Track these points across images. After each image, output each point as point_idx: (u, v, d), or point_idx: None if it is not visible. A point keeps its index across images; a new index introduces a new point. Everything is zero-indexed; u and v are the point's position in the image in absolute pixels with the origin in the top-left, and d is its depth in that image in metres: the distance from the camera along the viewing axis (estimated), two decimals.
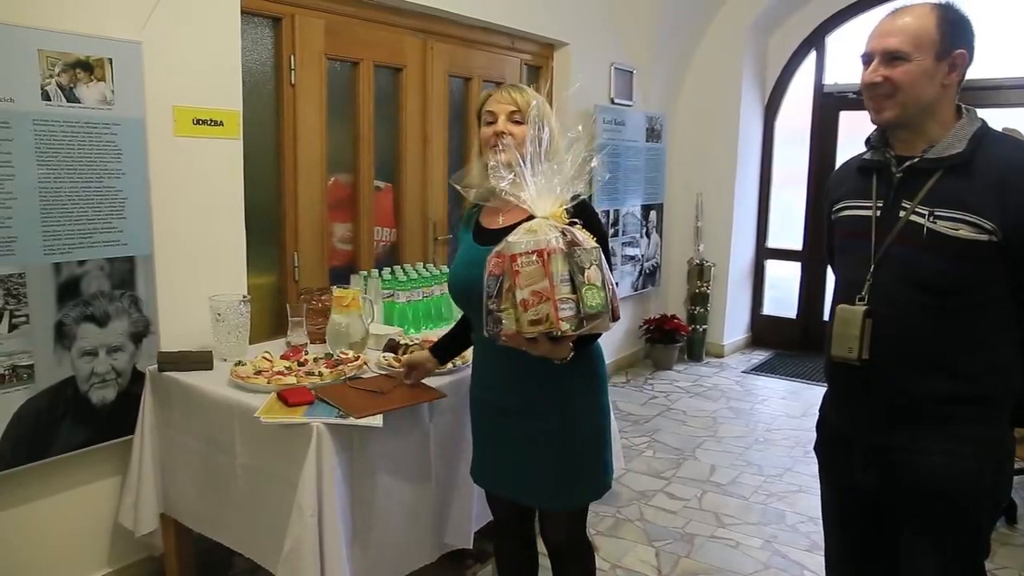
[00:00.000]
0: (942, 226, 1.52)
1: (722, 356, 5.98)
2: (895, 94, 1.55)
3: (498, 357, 1.89)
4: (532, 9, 4.33)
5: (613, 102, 5.06)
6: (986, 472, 1.57)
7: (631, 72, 5.22)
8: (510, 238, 1.60)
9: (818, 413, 1.86)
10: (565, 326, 1.54)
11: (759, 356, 6.07)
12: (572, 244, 1.57)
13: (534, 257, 1.54)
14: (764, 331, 6.32)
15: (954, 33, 1.54)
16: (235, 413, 2.16)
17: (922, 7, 1.56)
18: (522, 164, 1.67)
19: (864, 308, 1.59)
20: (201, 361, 2.43)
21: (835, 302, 1.68)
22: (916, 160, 1.58)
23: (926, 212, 1.54)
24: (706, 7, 5.64)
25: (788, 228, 6.20)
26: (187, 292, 2.68)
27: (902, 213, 1.58)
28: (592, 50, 4.85)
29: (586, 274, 1.56)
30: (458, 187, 1.90)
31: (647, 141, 5.44)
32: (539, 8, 4.38)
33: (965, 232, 1.50)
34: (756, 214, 6.25)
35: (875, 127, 1.66)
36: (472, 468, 2.10)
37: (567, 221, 1.65)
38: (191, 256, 2.73)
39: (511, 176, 1.69)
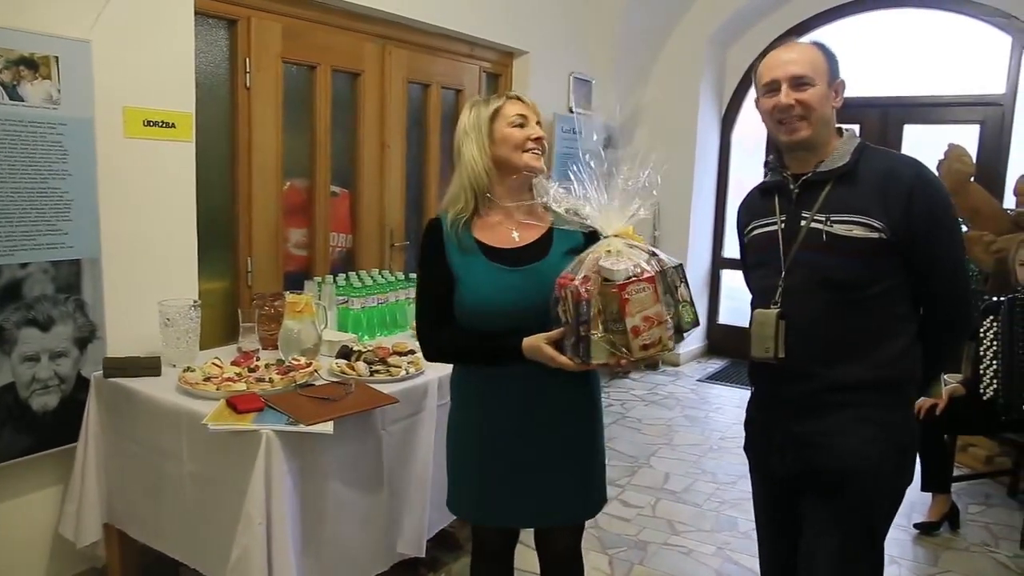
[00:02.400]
0: (839, 228, 1.69)
1: (678, 365, 6.03)
2: (808, 115, 1.71)
3: (519, 379, 1.80)
4: (492, 17, 4.36)
5: (571, 111, 5.10)
6: (888, 454, 1.72)
7: (590, 82, 5.27)
8: (604, 263, 1.60)
9: (745, 413, 1.98)
10: (671, 344, 1.64)
11: (715, 365, 6.13)
12: (661, 263, 1.65)
13: (645, 284, 1.60)
14: (720, 340, 6.39)
15: (835, 65, 1.76)
16: (183, 420, 2.13)
17: (806, 44, 1.78)
18: (579, 179, 1.71)
19: (777, 311, 1.73)
20: (149, 367, 2.39)
21: (752, 308, 1.82)
22: (809, 175, 1.75)
23: (824, 218, 1.71)
24: (667, 20, 5.72)
25: None
26: (136, 296, 2.65)
27: (803, 222, 1.74)
28: (551, 59, 4.89)
29: (679, 292, 1.66)
30: (551, 208, 1.76)
31: (604, 149, 5.49)
32: (499, 16, 4.41)
33: (859, 232, 1.67)
34: (713, 224, 6.34)
35: (769, 154, 1.87)
36: (463, 505, 1.93)
37: (641, 239, 1.70)
38: (141, 260, 2.69)
39: (558, 190, 1.70)
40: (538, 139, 1.85)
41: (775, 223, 1.80)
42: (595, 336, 1.60)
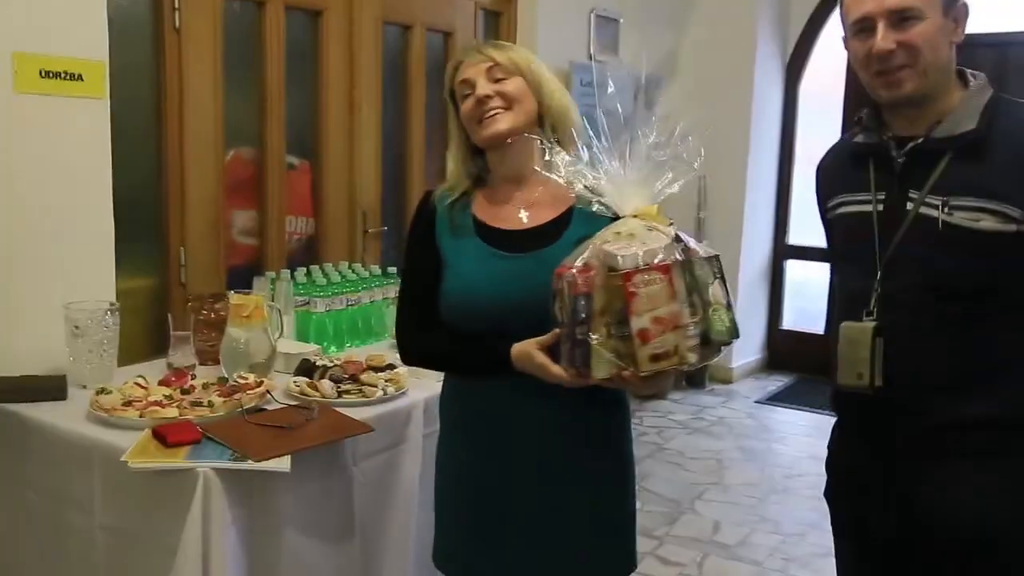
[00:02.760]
0: (960, 217, 1.59)
1: (730, 382, 6.05)
2: (915, 62, 1.61)
3: (517, 399, 1.79)
4: None
5: (593, 59, 5.08)
6: None
7: (617, 21, 5.25)
8: (610, 247, 1.55)
9: (827, 452, 1.91)
10: (692, 358, 1.55)
11: (777, 382, 6.15)
12: (687, 252, 1.57)
13: (658, 275, 1.52)
14: (783, 350, 6.39)
15: None
16: (95, 457, 2.10)
17: None
18: (580, 142, 1.69)
19: (873, 324, 1.65)
20: (51, 388, 2.37)
21: (838, 319, 1.73)
22: (921, 141, 1.65)
23: (939, 202, 1.61)
24: None
25: (815, 220, 6.23)
26: (34, 298, 2.63)
27: (909, 205, 1.65)
28: None
29: (711, 291, 1.57)
30: (581, 190, 1.71)
31: (623, 111, 5.47)
32: None
33: (988, 223, 1.57)
34: (774, 203, 6.35)
35: (862, 107, 1.78)
36: (445, 560, 1.98)
37: (667, 222, 1.63)
38: (40, 252, 2.67)
39: (564, 160, 1.67)
40: (483, 98, 1.81)
41: (869, 202, 1.71)
42: (595, 341, 1.55)
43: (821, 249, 6.26)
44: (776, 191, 6.34)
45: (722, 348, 1.60)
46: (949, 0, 1.62)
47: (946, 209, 1.60)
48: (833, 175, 1.85)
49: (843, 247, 1.80)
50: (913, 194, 1.65)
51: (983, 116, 1.62)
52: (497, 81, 1.82)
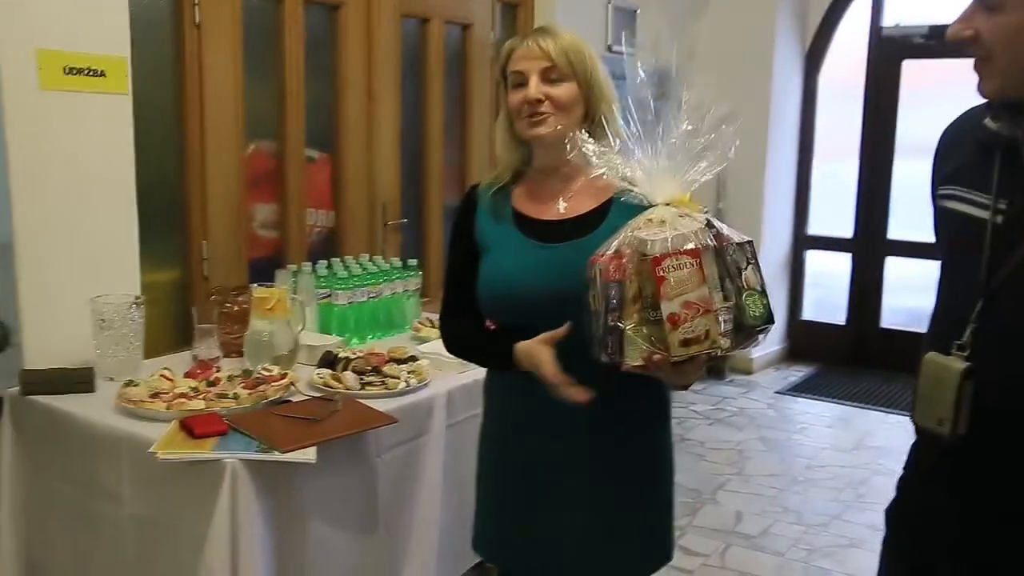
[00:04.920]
0: None
1: (751, 372, 6.02)
2: (990, 58, 1.33)
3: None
4: None
5: (610, 50, 5.06)
6: None
7: (634, 12, 5.24)
8: (641, 233, 1.55)
9: (902, 470, 1.66)
10: (725, 343, 1.53)
11: (798, 372, 6.11)
12: (719, 238, 1.56)
13: (687, 259, 1.51)
14: (805, 341, 6.36)
15: None
16: (123, 448, 2.13)
17: None
18: (616, 135, 1.68)
19: (964, 365, 1.37)
20: (79, 381, 2.39)
21: (927, 340, 1.47)
22: None
23: None
24: None
25: (835, 210, 6.27)
26: (61, 292, 2.65)
27: None
28: None
29: (744, 276, 1.55)
30: (614, 179, 1.70)
31: (655, 100, 5.45)
32: None
33: None
34: (794, 192, 6.31)
35: None
36: (481, 543, 2.01)
37: (700, 209, 1.62)
38: (66, 245, 2.69)
39: (596, 150, 1.67)
40: (533, 101, 1.79)
41: (987, 207, 1.39)
42: (628, 327, 1.54)
43: (842, 239, 6.30)
44: (796, 181, 6.29)
45: (759, 335, 1.58)
46: None
47: None
48: (951, 156, 1.52)
49: (946, 251, 1.51)
50: None
51: None
52: (551, 82, 1.80)
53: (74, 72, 2.67)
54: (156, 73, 3.14)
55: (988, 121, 1.42)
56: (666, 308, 1.50)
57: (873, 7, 5.92)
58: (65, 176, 2.69)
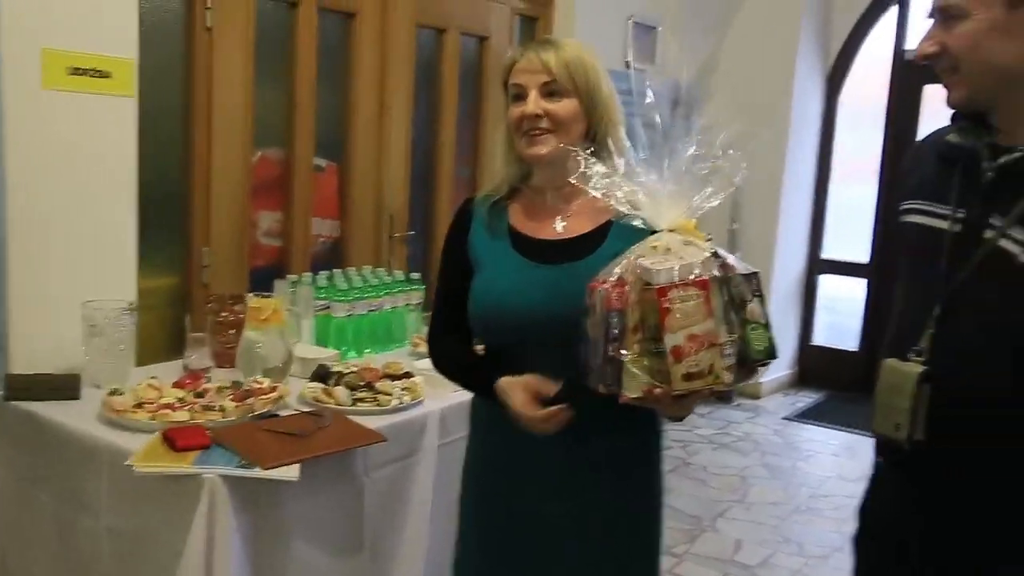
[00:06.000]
0: None
1: (758, 397, 5.98)
2: (957, 67, 1.40)
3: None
4: None
5: (628, 66, 5.04)
6: None
7: (655, 29, 5.21)
8: (645, 261, 1.51)
9: (864, 495, 1.70)
10: (728, 378, 1.49)
11: (806, 399, 6.07)
12: (725, 268, 1.52)
13: (694, 290, 1.47)
14: (815, 366, 6.32)
15: None
16: (103, 458, 2.10)
17: None
18: (620, 154, 1.65)
19: (920, 369, 1.42)
20: (64, 387, 2.36)
21: (885, 348, 1.53)
22: (1016, 156, 1.39)
23: (1023, 238, 1.36)
24: None
25: (851, 234, 6.24)
26: (53, 295, 2.63)
27: (988, 234, 1.40)
28: None
29: (748, 309, 1.51)
30: (617, 203, 1.66)
31: (671, 119, 5.42)
32: None
33: None
34: (810, 216, 6.29)
35: None
36: (459, 570, 1.98)
37: (705, 237, 1.58)
38: (62, 248, 2.67)
39: (600, 171, 1.61)
40: (532, 116, 1.74)
41: (946, 217, 1.46)
42: (627, 358, 1.50)
43: (856, 264, 6.27)
44: (812, 204, 6.26)
45: (759, 369, 1.54)
46: None
47: None
48: (914, 173, 1.60)
49: (906, 264, 1.58)
50: (995, 221, 1.39)
51: None
52: (550, 96, 1.75)
53: (79, 72, 2.66)
54: (165, 76, 3.13)
55: (951, 136, 1.51)
56: (670, 341, 1.47)
57: (897, 31, 5.90)
58: (64, 177, 2.67)
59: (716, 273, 1.50)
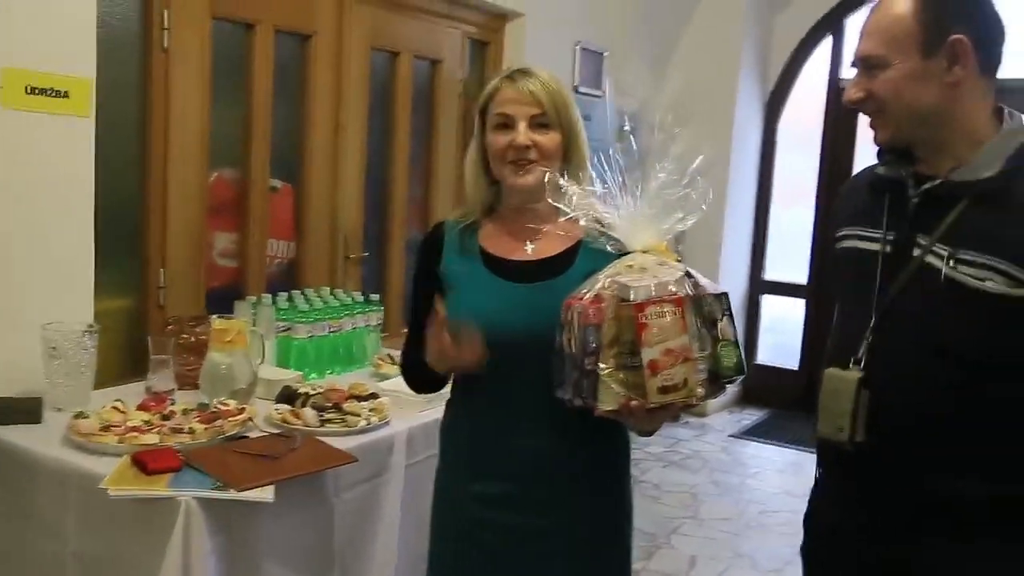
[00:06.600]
0: (964, 273, 1.47)
1: (704, 415, 6.02)
2: (882, 110, 1.56)
3: (530, 435, 1.79)
4: None
5: (577, 91, 5.09)
6: None
7: (601, 55, 5.28)
8: (623, 279, 1.57)
9: (807, 504, 1.80)
10: (701, 392, 1.56)
11: (751, 416, 6.16)
12: (697, 287, 1.59)
13: (670, 307, 1.54)
14: (758, 385, 6.37)
15: (942, 14, 1.49)
16: (71, 483, 2.07)
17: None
18: (586, 180, 1.72)
19: (859, 375, 1.55)
20: (27, 411, 2.33)
21: (826, 361, 1.64)
22: (938, 183, 1.54)
23: (946, 252, 1.50)
24: None
25: (791, 256, 6.35)
26: (10, 317, 2.58)
27: (916, 252, 1.54)
28: (553, 24, 4.90)
29: (719, 327, 1.59)
30: (589, 224, 1.71)
31: (617, 141, 5.49)
32: None
33: (994, 284, 1.44)
34: (751, 238, 6.39)
35: None
36: None
37: (676, 258, 1.65)
38: (18, 270, 2.63)
39: (576, 192, 1.66)
40: (521, 147, 1.78)
41: (878, 240, 1.61)
42: (604, 371, 1.55)
43: (797, 285, 6.38)
44: (753, 226, 6.37)
45: (727, 385, 1.61)
46: (930, 39, 1.48)
47: (951, 262, 1.48)
48: (848, 204, 1.75)
49: (844, 285, 1.70)
50: (922, 240, 1.53)
51: (1008, 163, 1.49)
52: (539, 128, 1.79)
53: (36, 92, 2.61)
54: (121, 96, 3.09)
55: (880, 169, 1.67)
56: (647, 354, 1.53)
57: (832, 58, 6.06)
58: (21, 198, 2.62)
59: (689, 291, 1.58)
